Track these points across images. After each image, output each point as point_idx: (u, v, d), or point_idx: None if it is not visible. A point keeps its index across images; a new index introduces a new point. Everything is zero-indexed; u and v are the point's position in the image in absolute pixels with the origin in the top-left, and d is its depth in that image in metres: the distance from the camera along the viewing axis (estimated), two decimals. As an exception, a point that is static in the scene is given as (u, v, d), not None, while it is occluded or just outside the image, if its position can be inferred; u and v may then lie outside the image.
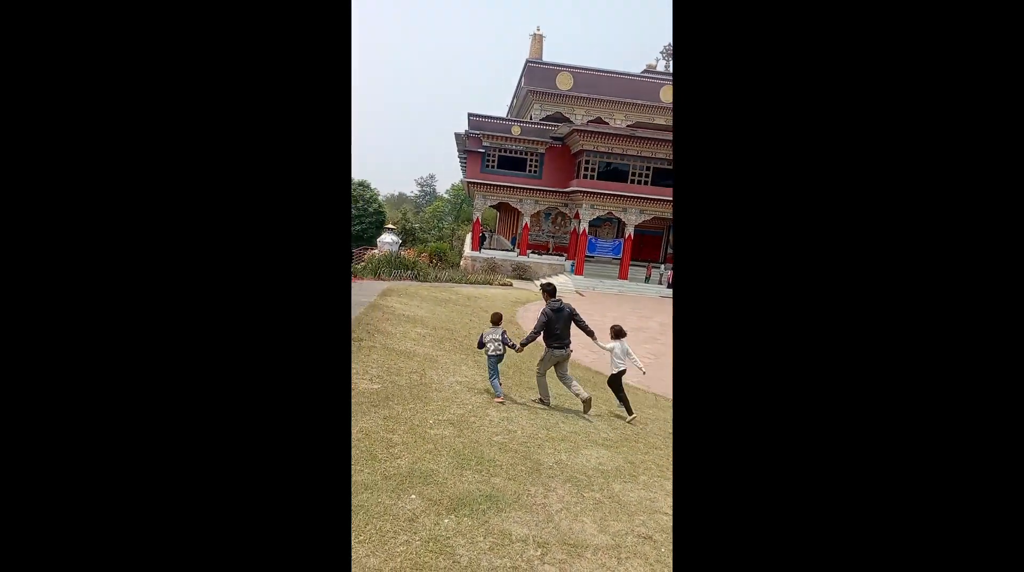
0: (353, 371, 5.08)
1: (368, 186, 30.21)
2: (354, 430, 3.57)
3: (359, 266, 14.67)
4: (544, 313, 4.80)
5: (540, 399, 4.98)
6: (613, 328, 5.25)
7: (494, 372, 4.86)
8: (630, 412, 5.09)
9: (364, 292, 10.09)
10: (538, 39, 24.85)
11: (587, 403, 4.81)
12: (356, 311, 9.46)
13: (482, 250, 21.76)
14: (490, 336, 4.85)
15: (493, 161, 20.93)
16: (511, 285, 17.77)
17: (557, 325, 4.77)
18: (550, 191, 21.18)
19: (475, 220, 21.87)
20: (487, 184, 20.89)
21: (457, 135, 22.97)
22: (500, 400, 4.72)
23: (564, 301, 4.93)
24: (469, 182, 21.31)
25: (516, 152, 21.02)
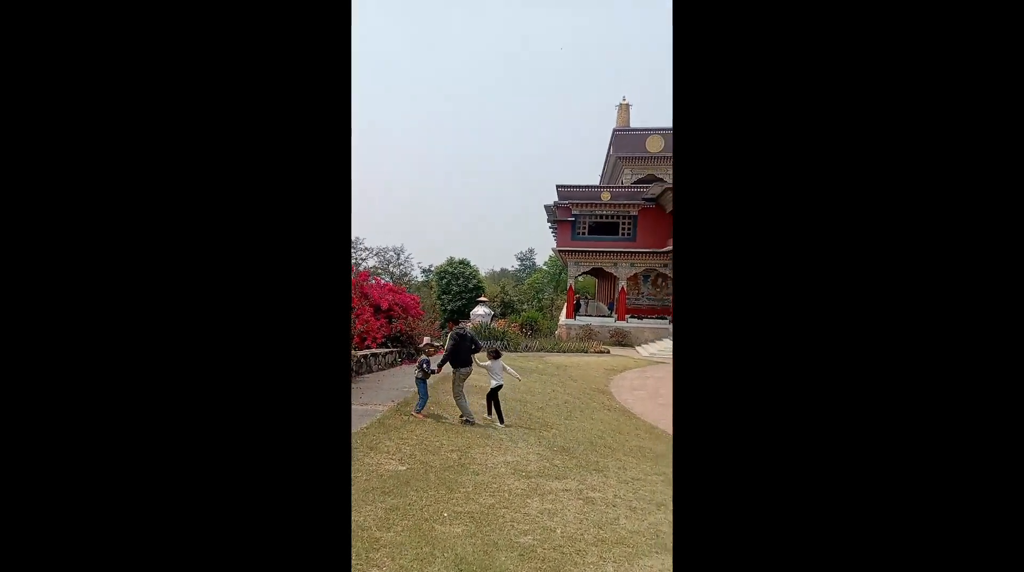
0: (384, 449, 4.53)
1: (468, 263, 31.40)
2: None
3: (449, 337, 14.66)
4: (452, 338, 6.04)
5: (466, 418, 5.85)
6: (490, 351, 6.40)
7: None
8: (501, 421, 6.00)
9: (443, 364, 9.81)
10: (624, 108, 25.07)
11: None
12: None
13: (577, 317, 21.11)
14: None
15: (584, 228, 20.73)
16: (607, 352, 16.59)
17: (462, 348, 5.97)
18: (646, 253, 20.26)
19: (569, 287, 21.44)
20: (579, 251, 20.58)
21: (547, 207, 23.24)
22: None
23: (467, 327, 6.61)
24: (560, 250, 21.18)
25: (607, 217, 20.67)
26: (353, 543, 2.66)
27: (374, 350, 9.16)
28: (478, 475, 4.04)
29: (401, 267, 39.35)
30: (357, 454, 4.33)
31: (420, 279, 38.48)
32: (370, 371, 8.84)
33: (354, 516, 3.03)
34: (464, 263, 31.22)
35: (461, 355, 5.91)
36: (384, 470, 3.95)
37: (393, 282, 26.46)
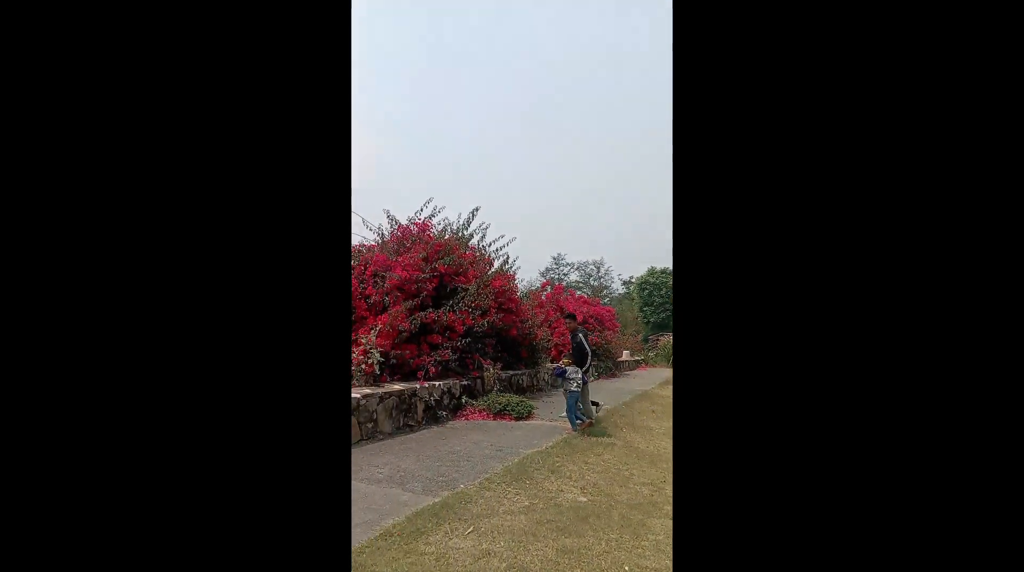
0: (566, 474, 4.12)
1: (670, 273, 29.59)
2: (498, 562, 2.60)
3: (651, 354, 13.71)
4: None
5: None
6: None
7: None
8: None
9: (644, 380, 9.05)
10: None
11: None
12: (620, 400, 8.48)
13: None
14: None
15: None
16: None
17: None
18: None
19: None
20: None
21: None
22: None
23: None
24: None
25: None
26: (513, 590, 2.30)
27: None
28: (671, 520, 3.32)
29: (601, 280, 39.25)
30: (536, 476, 4.02)
31: (621, 291, 37.76)
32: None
33: (521, 555, 2.68)
34: (666, 273, 29.50)
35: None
36: (563, 500, 3.54)
37: (591, 295, 26.33)
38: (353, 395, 5.43)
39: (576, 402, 5.82)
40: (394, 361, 6.87)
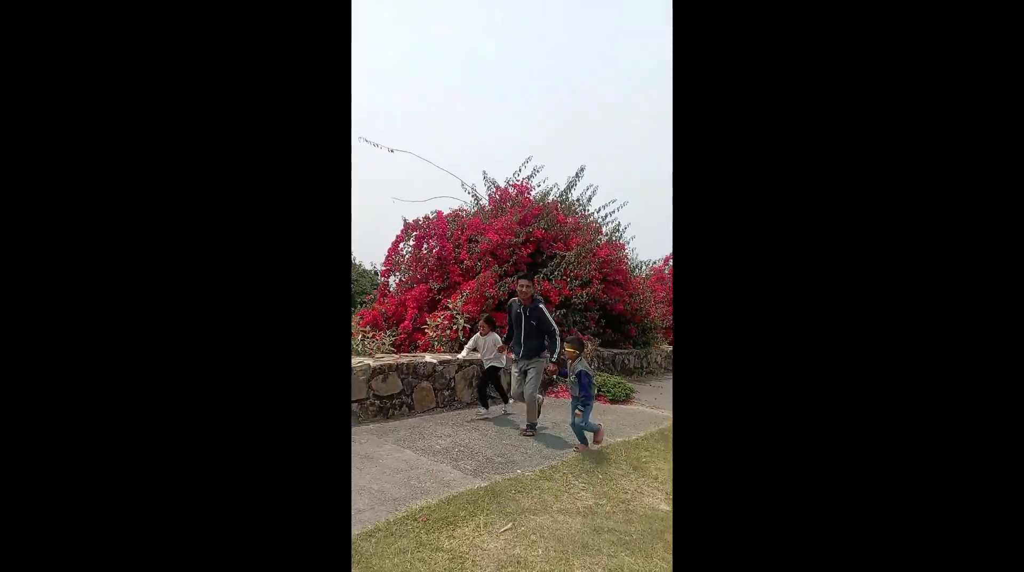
0: (651, 474, 3.32)
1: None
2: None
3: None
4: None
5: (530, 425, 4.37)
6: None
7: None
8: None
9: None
10: None
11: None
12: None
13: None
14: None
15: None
16: None
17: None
18: None
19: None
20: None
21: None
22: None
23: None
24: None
25: None
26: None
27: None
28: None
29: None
30: (612, 471, 3.28)
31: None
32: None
33: (558, 571, 2.02)
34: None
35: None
36: (639, 505, 2.78)
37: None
38: (429, 360, 5.11)
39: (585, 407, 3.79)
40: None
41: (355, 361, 4.69)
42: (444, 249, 7.43)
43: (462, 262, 7.24)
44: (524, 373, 4.43)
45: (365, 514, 2.56)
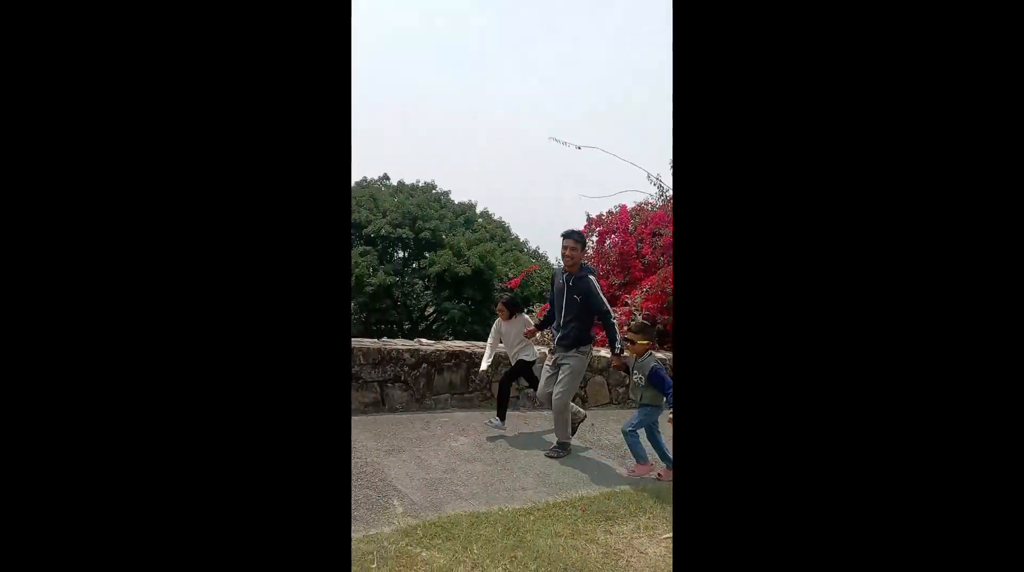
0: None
1: None
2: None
3: None
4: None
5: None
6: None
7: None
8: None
9: None
10: None
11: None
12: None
13: None
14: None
15: None
16: None
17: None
18: None
19: None
20: None
21: None
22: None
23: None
24: None
25: None
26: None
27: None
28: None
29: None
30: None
31: None
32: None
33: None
34: None
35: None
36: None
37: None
38: (604, 355, 5.10)
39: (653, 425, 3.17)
40: (661, 326, 6.18)
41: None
42: (626, 243, 7.30)
43: (644, 257, 7.02)
44: (557, 368, 3.31)
45: (528, 492, 2.69)
